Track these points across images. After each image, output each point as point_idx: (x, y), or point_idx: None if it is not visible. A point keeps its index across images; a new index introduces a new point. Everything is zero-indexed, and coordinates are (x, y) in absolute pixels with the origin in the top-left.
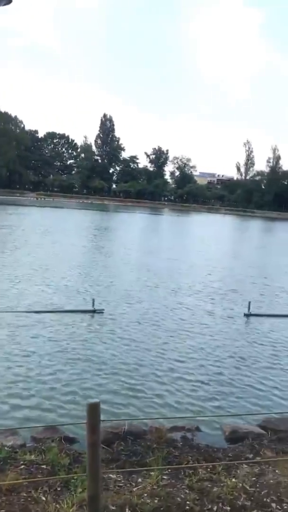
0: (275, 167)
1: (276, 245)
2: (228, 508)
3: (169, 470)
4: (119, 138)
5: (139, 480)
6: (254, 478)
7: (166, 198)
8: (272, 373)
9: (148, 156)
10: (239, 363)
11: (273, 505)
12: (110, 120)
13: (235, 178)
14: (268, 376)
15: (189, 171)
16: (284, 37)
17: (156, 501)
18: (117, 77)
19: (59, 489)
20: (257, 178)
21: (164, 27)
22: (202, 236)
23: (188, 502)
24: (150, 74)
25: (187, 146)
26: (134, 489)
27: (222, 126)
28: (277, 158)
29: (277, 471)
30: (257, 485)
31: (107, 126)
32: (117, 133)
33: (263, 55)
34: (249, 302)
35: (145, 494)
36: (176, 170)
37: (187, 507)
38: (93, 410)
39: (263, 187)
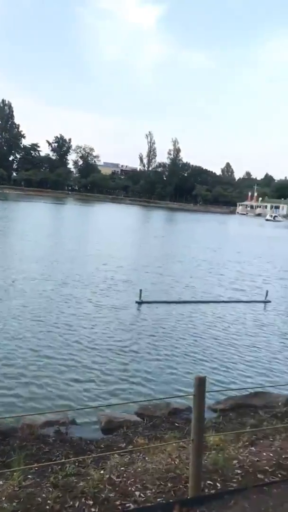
0: (175, 159)
1: (174, 235)
2: (91, 502)
3: (36, 469)
4: (18, 125)
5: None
6: (122, 468)
7: (70, 188)
8: (155, 363)
9: (50, 144)
10: (123, 352)
11: (137, 493)
12: (9, 106)
13: (138, 169)
14: (152, 365)
15: (93, 161)
16: (183, 31)
17: (14, 504)
18: (16, 64)
19: None
20: (159, 169)
21: (66, 17)
22: (103, 226)
23: (49, 501)
24: (51, 63)
25: (91, 136)
26: None
27: (125, 117)
28: (177, 151)
29: (146, 458)
30: (124, 475)
31: (5, 112)
32: (16, 120)
33: (163, 49)
34: (140, 290)
35: (3, 498)
36: (79, 160)
37: (47, 507)
38: None
39: (165, 178)
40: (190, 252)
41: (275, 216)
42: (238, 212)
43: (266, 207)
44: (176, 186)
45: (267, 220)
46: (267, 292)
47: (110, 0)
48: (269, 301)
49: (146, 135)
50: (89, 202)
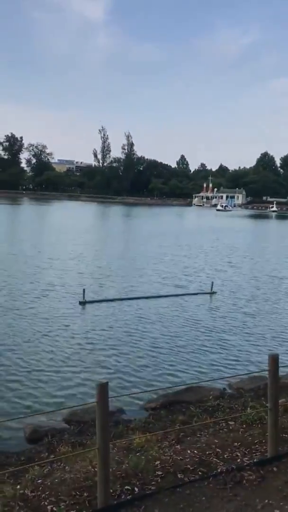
0: (129, 154)
1: (126, 231)
2: None
3: None
4: None
5: None
6: (40, 480)
7: (24, 187)
8: (90, 365)
9: (0, 143)
10: (56, 355)
11: (50, 507)
12: None
13: (93, 165)
14: (87, 366)
15: (46, 159)
16: (131, 23)
17: None
18: None
19: None
20: (115, 164)
21: (11, 11)
22: (55, 225)
23: None
24: None
25: (43, 134)
26: None
27: (78, 113)
28: (131, 145)
29: (67, 467)
30: (40, 488)
31: None
32: None
33: (112, 41)
34: (84, 290)
35: None
36: (32, 158)
37: None
38: None
39: (120, 173)
40: (140, 248)
41: (226, 206)
42: (194, 204)
43: (222, 197)
44: (132, 181)
45: (218, 210)
46: (212, 283)
47: None
48: (215, 292)
49: (99, 130)
50: (45, 201)
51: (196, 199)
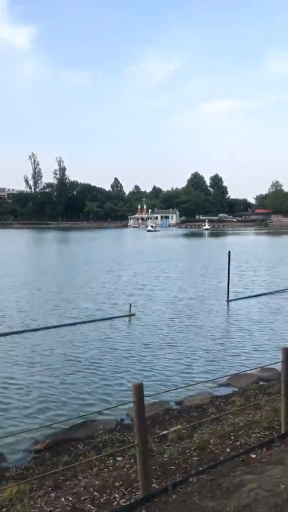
0: (62, 178)
1: (54, 258)
2: None
3: None
4: None
5: None
6: None
7: None
8: None
9: None
10: None
11: None
12: None
13: (25, 191)
14: None
15: None
16: (58, 50)
17: None
18: None
19: None
20: (47, 190)
21: None
22: None
23: None
24: None
25: None
26: None
27: (8, 140)
28: (63, 169)
29: None
30: None
31: None
32: None
33: (39, 68)
34: None
35: None
36: None
37: None
38: None
39: (54, 198)
40: (63, 275)
41: (155, 226)
42: (130, 225)
43: (157, 218)
44: (66, 205)
45: (148, 231)
46: (130, 305)
47: None
48: (133, 314)
49: (30, 156)
50: None
51: (132, 220)
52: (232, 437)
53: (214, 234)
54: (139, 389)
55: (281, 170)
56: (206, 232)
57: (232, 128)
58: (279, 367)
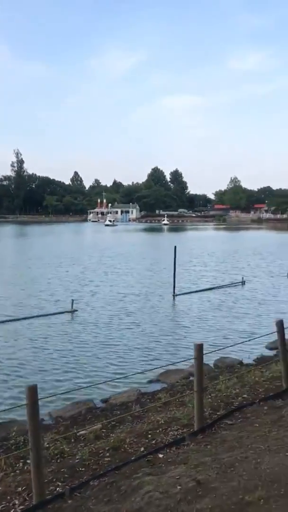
0: (19, 171)
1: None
2: None
3: None
4: None
5: None
6: None
7: None
8: None
9: None
10: None
11: None
12: None
13: None
14: None
15: None
16: (16, 40)
17: None
18: None
19: None
20: (5, 183)
21: None
22: None
23: None
24: None
25: None
26: None
27: None
28: (21, 162)
29: None
30: None
31: None
32: None
33: None
34: None
35: None
36: None
37: None
38: None
39: (11, 191)
40: (9, 270)
41: (113, 221)
42: (90, 220)
43: (117, 212)
44: (25, 199)
45: (106, 225)
46: (72, 301)
47: None
48: (76, 311)
49: None
50: None
51: (92, 215)
52: (150, 436)
53: (173, 229)
54: (32, 392)
55: (240, 167)
56: (165, 227)
57: (192, 124)
58: (211, 362)
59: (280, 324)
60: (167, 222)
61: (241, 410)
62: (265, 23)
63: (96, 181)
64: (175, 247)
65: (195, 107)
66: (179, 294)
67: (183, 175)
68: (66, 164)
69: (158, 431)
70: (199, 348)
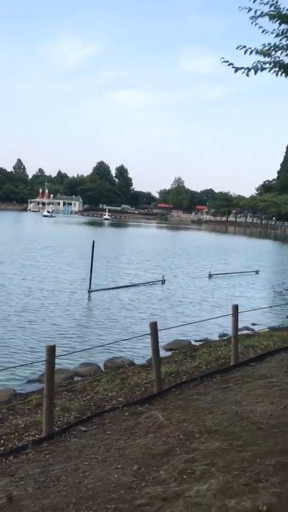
0: None
1: None
2: None
3: None
4: None
5: None
6: None
7: None
8: None
9: None
10: None
11: None
12: None
13: None
14: None
15: None
16: None
17: None
18: None
19: None
20: None
21: None
22: None
23: None
24: None
25: None
26: None
27: None
28: None
29: None
30: None
31: None
32: None
33: None
34: None
35: None
36: None
37: None
38: None
39: None
40: None
41: (52, 212)
42: (30, 209)
43: (59, 203)
44: None
45: (44, 216)
46: None
47: None
48: None
49: None
50: None
51: (32, 204)
52: (2, 442)
53: (115, 224)
54: None
55: (184, 167)
56: (106, 222)
57: (141, 121)
58: (101, 364)
59: (153, 326)
60: (108, 217)
61: (101, 416)
62: (219, 28)
63: (40, 170)
64: (93, 241)
65: (145, 104)
66: (94, 290)
67: (128, 171)
68: (10, 151)
69: (13, 436)
70: (51, 350)
